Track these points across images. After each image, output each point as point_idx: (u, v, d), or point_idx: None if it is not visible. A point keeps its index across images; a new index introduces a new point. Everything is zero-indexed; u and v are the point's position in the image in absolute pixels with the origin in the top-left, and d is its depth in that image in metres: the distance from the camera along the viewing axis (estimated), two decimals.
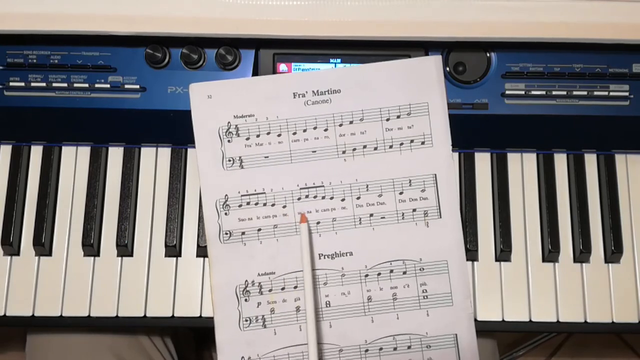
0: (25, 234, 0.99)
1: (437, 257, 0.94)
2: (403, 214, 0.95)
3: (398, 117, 0.95)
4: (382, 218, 0.95)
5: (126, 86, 0.96)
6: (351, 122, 0.95)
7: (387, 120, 0.95)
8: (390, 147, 0.95)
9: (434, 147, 0.95)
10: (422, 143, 0.95)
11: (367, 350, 0.93)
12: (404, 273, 0.94)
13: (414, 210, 0.95)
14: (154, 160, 1.01)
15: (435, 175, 0.95)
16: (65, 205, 1.00)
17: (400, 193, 0.95)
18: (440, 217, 0.95)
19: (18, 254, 0.98)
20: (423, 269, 0.94)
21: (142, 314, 0.96)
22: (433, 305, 0.94)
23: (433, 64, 0.95)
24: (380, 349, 0.93)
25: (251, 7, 0.90)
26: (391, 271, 0.94)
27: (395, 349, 0.93)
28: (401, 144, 0.95)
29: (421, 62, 0.96)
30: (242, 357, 0.93)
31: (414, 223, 0.95)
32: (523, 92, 0.96)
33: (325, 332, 0.93)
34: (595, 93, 0.96)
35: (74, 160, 1.01)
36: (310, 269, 0.91)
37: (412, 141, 0.95)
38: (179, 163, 1.00)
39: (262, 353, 0.93)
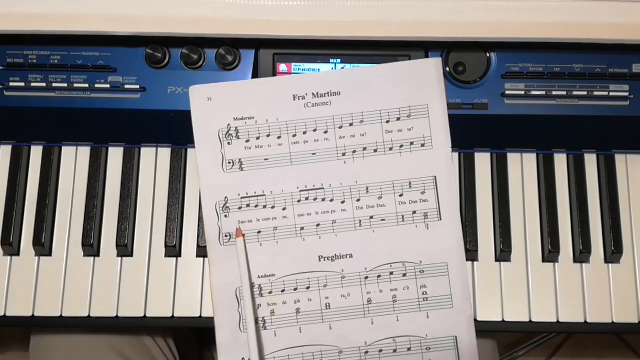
0: (25, 234, 0.99)
1: (437, 259, 0.94)
2: (403, 216, 0.95)
3: (398, 119, 0.95)
4: (382, 220, 0.95)
5: (126, 86, 0.96)
6: (351, 125, 0.95)
7: (387, 122, 0.95)
8: (390, 149, 0.95)
9: (434, 150, 0.95)
10: (422, 145, 0.95)
11: (367, 352, 0.93)
12: (404, 275, 0.94)
13: (414, 212, 0.95)
14: (154, 161, 1.01)
15: (435, 177, 0.95)
16: (65, 205, 1.00)
17: (400, 195, 0.95)
18: (440, 220, 0.95)
19: (18, 254, 0.98)
20: (423, 271, 0.94)
21: (142, 314, 0.96)
22: (433, 307, 0.94)
23: (433, 66, 0.95)
24: (380, 350, 0.93)
25: (251, 7, 0.89)
26: (391, 273, 0.94)
27: (395, 350, 0.93)
28: (401, 146, 0.95)
29: (421, 64, 0.96)
30: (243, 359, 0.93)
31: (414, 225, 0.95)
32: (523, 92, 0.96)
33: (325, 333, 0.93)
34: (595, 93, 0.96)
35: (74, 160, 1.01)
36: (248, 282, 0.92)
37: (412, 143, 0.95)
38: (179, 163, 1.00)
39: (263, 355, 0.93)
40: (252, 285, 0.94)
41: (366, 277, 0.94)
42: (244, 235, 0.94)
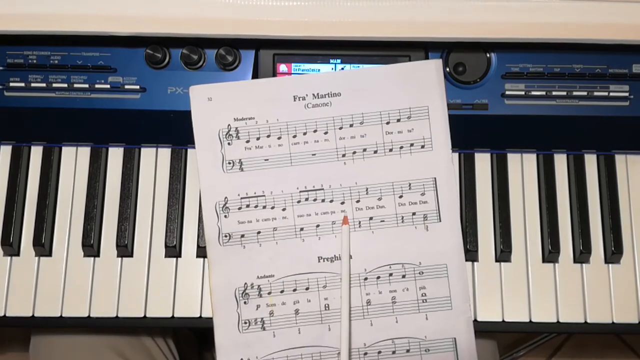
0: (25, 234, 0.99)
1: (436, 260, 0.94)
2: (403, 217, 0.95)
3: (398, 120, 0.95)
4: (381, 221, 0.94)
5: (126, 87, 0.96)
6: (351, 125, 0.95)
7: (387, 123, 0.95)
8: (390, 150, 0.95)
9: (434, 151, 0.95)
10: (422, 147, 0.95)
11: (365, 354, 0.93)
12: (403, 277, 0.94)
13: (414, 213, 0.95)
14: (154, 161, 1.01)
15: (435, 179, 0.95)
16: (65, 205, 1.00)
17: (400, 197, 0.95)
18: (440, 221, 0.95)
19: (18, 254, 0.98)
20: (422, 272, 0.94)
21: (142, 315, 0.96)
22: (432, 309, 0.94)
23: (434, 67, 0.95)
24: (379, 352, 0.93)
25: (251, 7, 0.89)
26: (390, 275, 0.94)
27: (394, 352, 0.93)
28: (401, 147, 0.95)
29: (422, 66, 0.95)
30: (241, 359, 0.93)
31: (414, 227, 0.95)
32: (523, 93, 0.96)
33: (324, 334, 0.93)
34: (595, 93, 0.96)
35: (74, 161, 1.01)
36: (348, 272, 0.92)
37: (412, 145, 0.95)
38: (179, 163, 1.00)
39: (261, 355, 0.93)
40: (251, 286, 0.94)
41: (365, 278, 0.94)
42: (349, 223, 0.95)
